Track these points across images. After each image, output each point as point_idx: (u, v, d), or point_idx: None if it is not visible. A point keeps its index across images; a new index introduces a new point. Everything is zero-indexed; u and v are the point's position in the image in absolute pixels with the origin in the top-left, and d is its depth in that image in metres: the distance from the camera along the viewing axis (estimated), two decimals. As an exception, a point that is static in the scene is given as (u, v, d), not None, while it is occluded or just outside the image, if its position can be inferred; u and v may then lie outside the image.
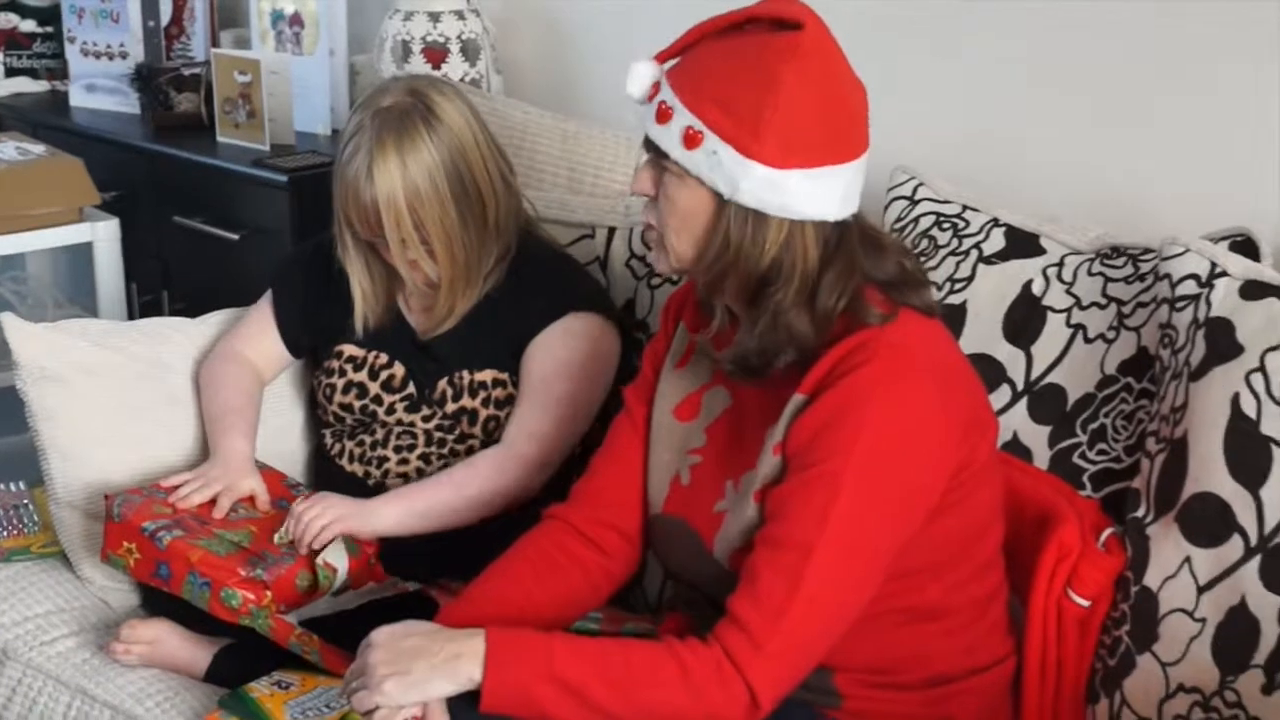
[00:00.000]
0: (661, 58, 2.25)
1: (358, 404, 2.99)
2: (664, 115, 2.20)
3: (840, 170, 2.17)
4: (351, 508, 2.80)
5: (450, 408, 2.93)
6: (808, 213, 2.17)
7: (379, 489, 2.94)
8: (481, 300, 2.93)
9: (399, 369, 2.98)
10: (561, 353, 2.89)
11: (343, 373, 3.02)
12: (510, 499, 2.84)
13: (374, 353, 3.00)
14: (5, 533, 3.11)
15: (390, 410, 2.97)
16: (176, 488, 2.83)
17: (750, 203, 2.16)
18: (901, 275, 2.27)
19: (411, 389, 2.97)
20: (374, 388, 2.99)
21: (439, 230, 2.81)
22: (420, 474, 2.95)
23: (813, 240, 2.20)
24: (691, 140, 2.17)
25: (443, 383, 2.94)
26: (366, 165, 2.78)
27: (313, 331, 3.08)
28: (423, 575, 2.84)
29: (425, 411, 2.95)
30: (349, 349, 3.02)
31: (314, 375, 3.07)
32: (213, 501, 2.83)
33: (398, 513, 2.83)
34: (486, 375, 2.93)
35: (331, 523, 2.75)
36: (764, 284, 2.21)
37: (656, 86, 2.23)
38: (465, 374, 2.93)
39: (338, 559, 2.74)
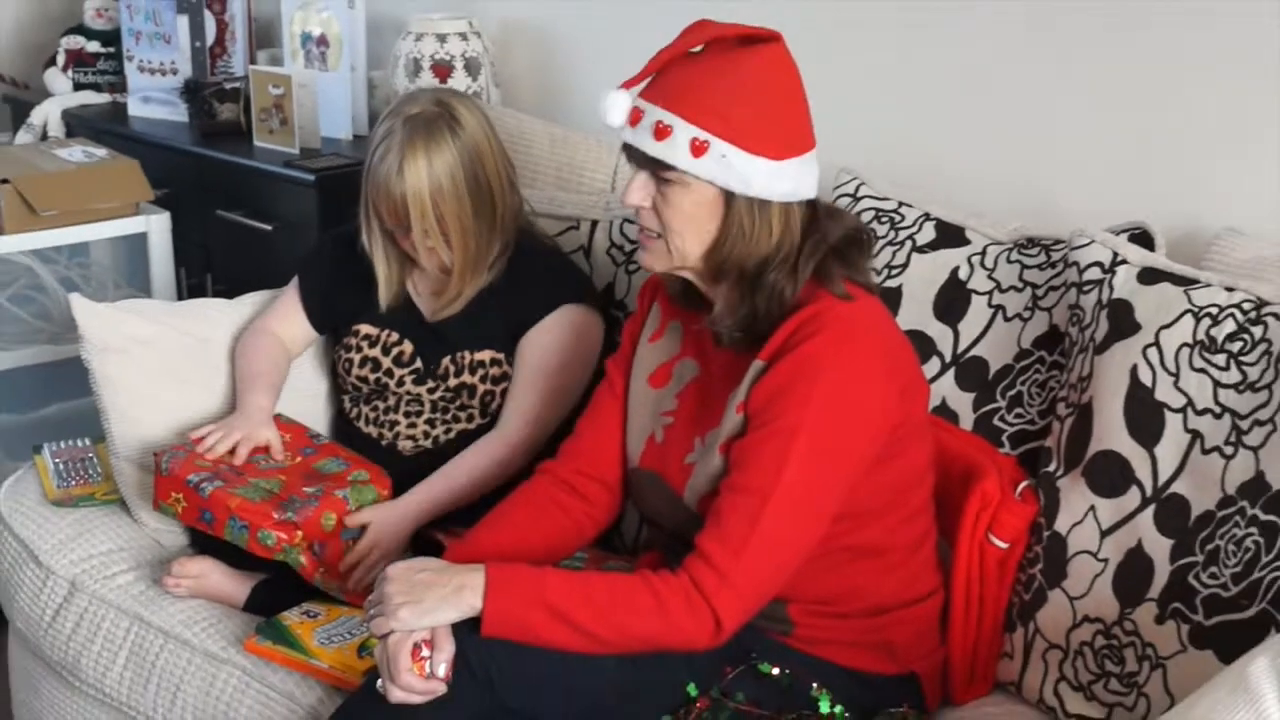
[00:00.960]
0: (630, 84, 2.23)
1: (371, 376, 2.98)
2: (663, 133, 2.18)
3: (812, 155, 2.23)
4: (395, 521, 2.77)
5: (452, 382, 2.91)
6: (802, 193, 2.22)
7: (391, 449, 2.94)
8: (484, 289, 2.91)
9: (408, 346, 2.96)
10: (554, 345, 2.87)
11: (359, 349, 3.00)
12: (503, 478, 2.82)
13: (387, 331, 2.98)
14: (73, 482, 3.10)
15: (400, 382, 2.95)
16: (203, 438, 2.80)
17: (760, 194, 2.19)
18: (857, 247, 2.29)
19: (419, 364, 2.95)
20: (386, 362, 2.97)
21: (456, 223, 2.80)
22: (427, 436, 2.94)
23: (798, 217, 2.23)
24: (699, 149, 2.16)
25: (446, 360, 2.92)
26: (398, 164, 2.77)
27: (334, 312, 3.06)
28: (433, 522, 2.82)
29: (430, 384, 2.93)
30: (365, 328, 3.00)
31: (335, 350, 3.05)
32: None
33: (429, 504, 2.81)
34: (485, 355, 2.91)
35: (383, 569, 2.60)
36: (765, 263, 2.22)
37: (635, 111, 2.21)
38: (467, 354, 2.91)
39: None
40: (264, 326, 3.07)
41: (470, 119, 2.83)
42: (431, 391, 2.93)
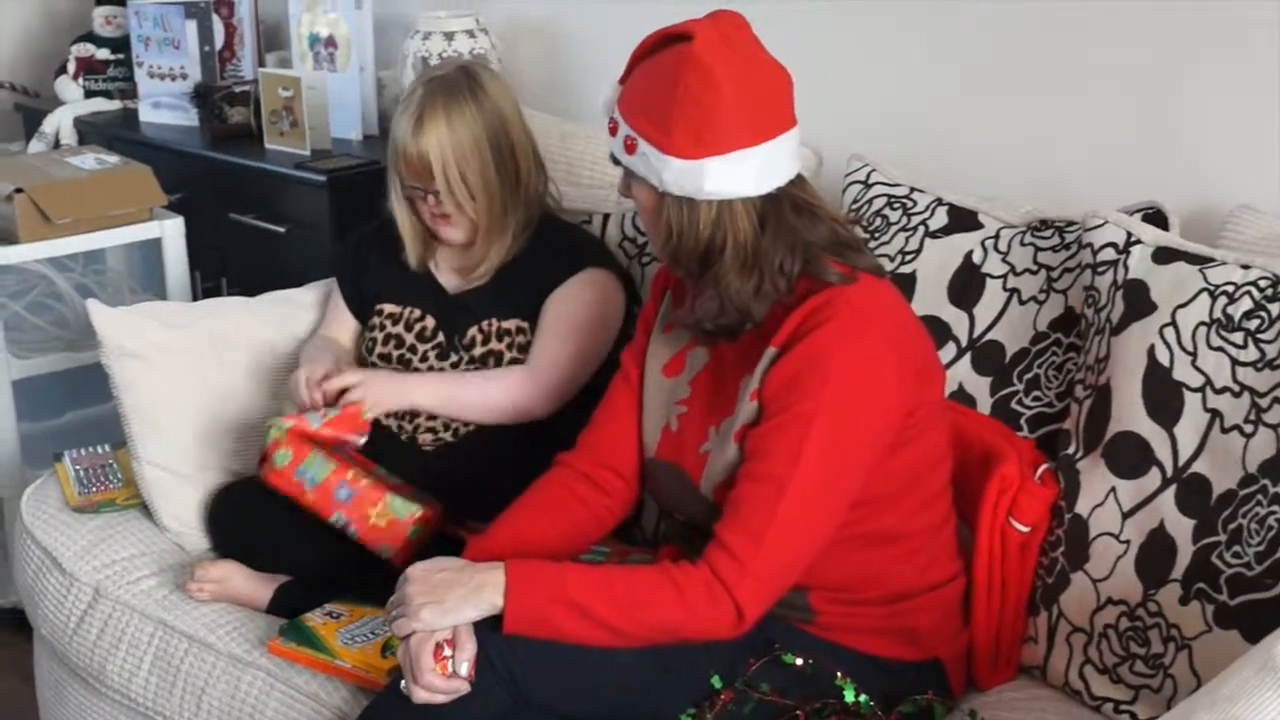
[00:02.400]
0: (622, 79, 2.28)
1: (395, 354, 2.98)
2: (613, 129, 2.26)
3: (754, 151, 2.17)
4: (390, 388, 2.85)
5: (478, 351, 2.92)
6: (726, 192, 2.18)
7: (411, 443, 2.93)
8: (509, 260, 2.93)
9: (430, 321, 2.97)
10: (577, 299, 2.89)
11: (383, 327, 3.01)
12: (521, 415, 2.85)
13: (409, 308, 3.00)
14: (95, 488, 3.10)
15: (424, 358, 2.96)
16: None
17: (677, 191, 2.19)
18: (836, 240, 2.26)
19: (441, 338, 2.96)
20: (409, 338, 2.98)
21: (479, 181, 2.83)
22: (447, 428, 2.93)
23: (742, 215, 2.20)
24: (630, 147, 2.21)
25: (473, 329, 2.93)
26: (416, 122, 2.81)
27: (364, 299, 3.08)
28: (451, 517, 2.81)
29: (454, 358, 2.94)
30: (388, 306, 3.02)
31: (362, 335, 3.08)
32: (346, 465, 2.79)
33: (430, 394, 2.87)
34: (511, 324, 2.92)
35: (372, 403, 2.80)
36: (707, 257, 2.22)
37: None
38: (494, 321, 2.92)
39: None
40: (320, 334, 3.12)
41: (495, 86, 2.89)
42: (455, 366, 2.93)
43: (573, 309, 2.88)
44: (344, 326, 3.11)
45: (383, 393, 2.84)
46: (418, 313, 2.98)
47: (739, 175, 2.17)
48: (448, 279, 3.00)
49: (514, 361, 2.91)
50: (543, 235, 2.95)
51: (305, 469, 2.72)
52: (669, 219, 2.22)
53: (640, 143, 2.19)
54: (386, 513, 2.69)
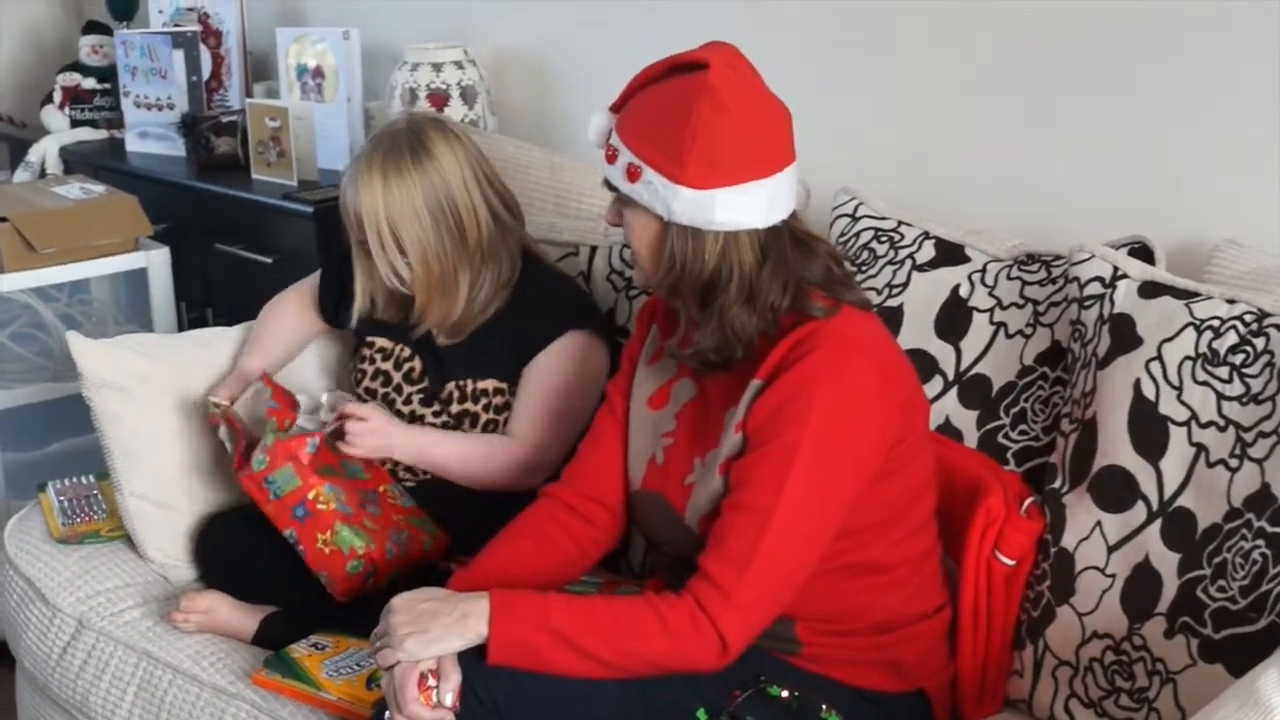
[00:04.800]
0: (614, 107, 2.28)
1: (380, 390, 2.99)
2: (611, 156, 2.24)
3: (763, 184, 2.18)
4: (381, 432, 2.85)
5: (455, 408, 2.92)
6: (736, 224, 2.19)
7: (395, 461, 2.94)
8: (490, 319, 2.92)
9: (418, 364, 2.97)
10: (559, 370, 2.88)
11: (372, 360, 3.02)
12: (499, 489, 2.85)
13: (400, 346, 3.00)
14: (79, 519, 3.11)
15: (407, 400, 2.96)
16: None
17: (685, 221, 2.19)
18: (829, 277, 2.28)
19: (426, 383, 2.96)
20: (396, 377, 2.98)
21: (413, 244, 2.82)
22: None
23: (747, 247, 2.21)
24: (633, 175, 2.20)
25: (451, 385, 2.93)
26: (354, 179, 2.83)
27: (342, 310, 3.09)
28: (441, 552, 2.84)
29: (435, 407, 2.94)
30: (380, 341, 3.03)
31: (350, 362, 3.10)
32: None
33: (410, 452, 2.89)
34: (488, 384, 2.92)
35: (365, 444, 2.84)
36: (710, 289, 2.22)
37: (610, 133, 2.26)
38: (470, 382, 2.92)
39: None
40: (285, 294, 3.20)
41: (442, 145, 2.85)
42: (436, 415, 2.93)
43: (552, 380, 2.87)
44: (307, 307, 3.16)
45: (378, 431, 2.85)
46: (408, 352, 2.99)
47: (749, 207, 2.18)
48: (435, 332, 2.98)
49: (490, 423, 2.91)
50: (524, 290, 2.93)
51: (275, 479, 2.75)
52: (673, 249, 2.21)
53: (646, 170, 2.18)
54: (332, 541, 2.72)
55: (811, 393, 2.15)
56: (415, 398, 2.96)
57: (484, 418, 2.91)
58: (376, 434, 2.83)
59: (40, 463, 3.95)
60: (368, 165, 2.82)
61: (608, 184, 2.27)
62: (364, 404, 2.88)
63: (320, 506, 2.73)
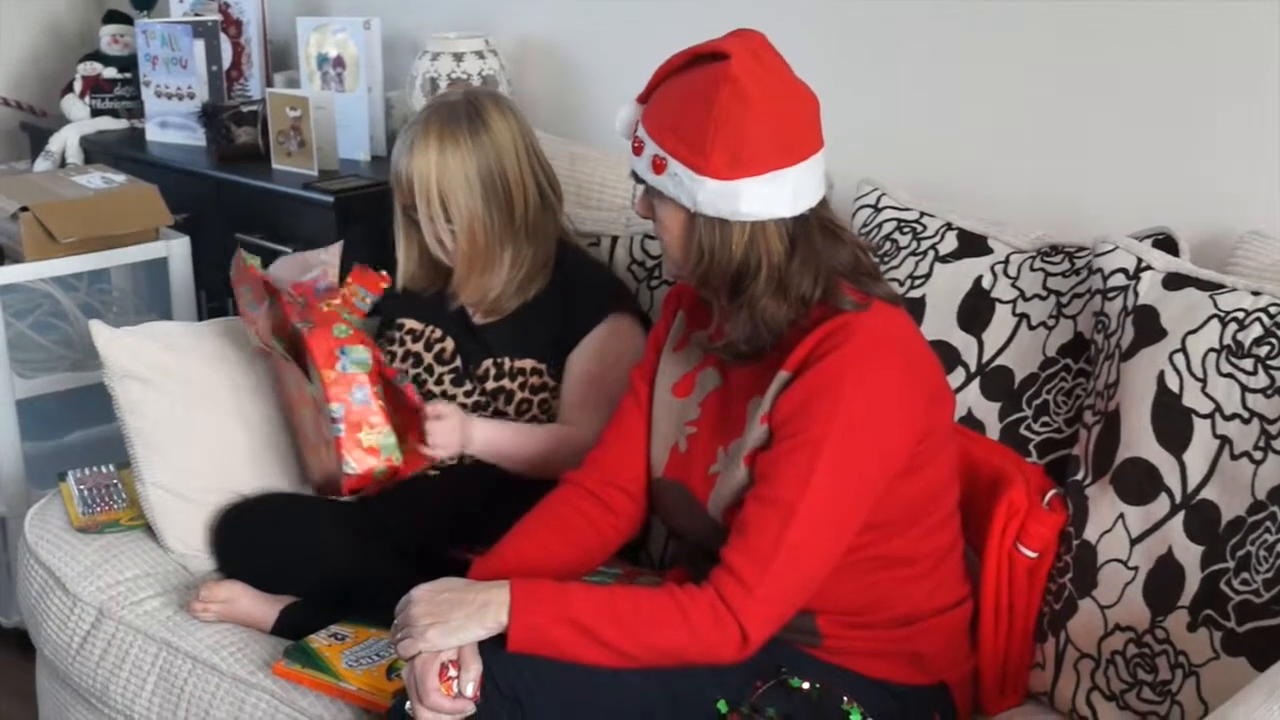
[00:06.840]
0: (641, 98, 2.29)
1: (411, 372, 3.00)
2: (638, 148, 2.25)
3: (788, 172, 2.18)
4: (460, 428, 2.81)
5: (490, 385, 2.93)
6: (762, 214, 2.19)
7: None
8: (530, 300, 2.93)
9: (449, 344, 2.99)
10: (610, 355, 2.89)
11: (402, 342, 3.03)
12: (558, 474, 2.81)
13: (431, 327, 3.01)
14: (99, 508, 3.11)
15: (439, 380, 2.97)
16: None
17: (710, 212, 2.19)
18: (857, 265, 2.28)
19: (458, 363, 2.97)
20: (427, 358, 3.00)
21: (461, 213, 2.85)
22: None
23: (775, 236, 2.21)
24: (659, 166, 2.20)
25: (488, 362, 2.94)
26: (410, 144, 2.85)
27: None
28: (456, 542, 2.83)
29: (468, 386, 2.95)
30: (410, 323, 3.04)
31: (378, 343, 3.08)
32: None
33: (485, 447, 2.85)
34: (527, 364, 2.93)
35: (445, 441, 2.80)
36: (739, 279, 2.22)
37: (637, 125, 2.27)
38: (508, 360, 2.93)
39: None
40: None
41: (500, 119, 2.88)
42: (468, 395, 2.94)
43: (601, 369, 2.88)
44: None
45: (456, 434, 2.81)
46: (439, 333, 3.00)
47: (775, 197, 2.18)
48: (471, 310, 2.99)
49: (523, 403, 2.92)
50: (564, 274, 2.95)
51: (351, 350, 2.75)
52: (700, 240, 2.21)
53: (671, 162, 2.18)
54: (375, 439, 2.72)
55: (839, 387, 2.15)
56: (446, 378, 2.97)
57: (519, 396, 2.92)
58: (456, 430, 2.80)
59: (60, 452, 3.96)
60: (424, 130, 2.84)
61: (635, 176, 2.28)
62: (438, 402, 2.85)
63: (380, 402, 2.74)
